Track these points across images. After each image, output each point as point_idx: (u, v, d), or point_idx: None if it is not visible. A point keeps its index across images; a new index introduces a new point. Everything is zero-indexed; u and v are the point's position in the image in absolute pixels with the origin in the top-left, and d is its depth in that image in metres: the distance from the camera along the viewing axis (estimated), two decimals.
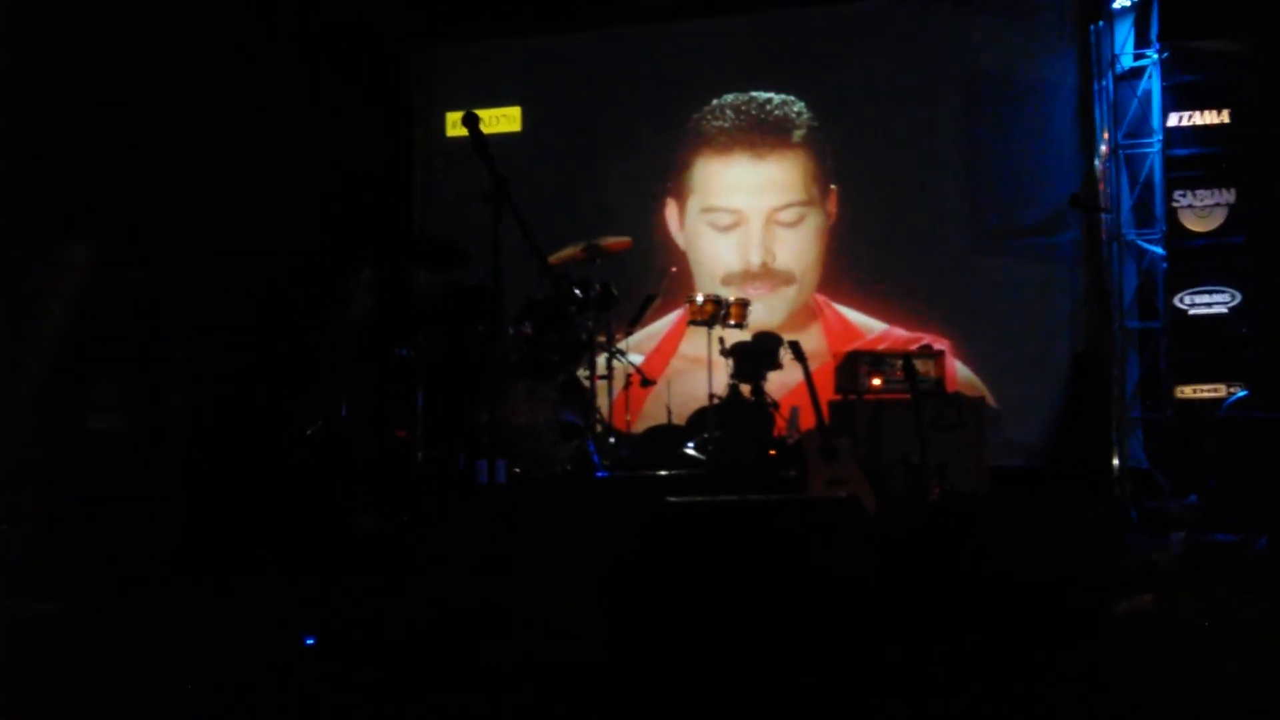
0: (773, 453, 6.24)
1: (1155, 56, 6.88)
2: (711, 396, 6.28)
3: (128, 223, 5.11)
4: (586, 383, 5.94)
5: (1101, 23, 7.09)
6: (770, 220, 7.71)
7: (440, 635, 3.53)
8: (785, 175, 7.77)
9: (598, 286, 5.94)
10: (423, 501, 4.92)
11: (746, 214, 7.76)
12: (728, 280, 7.69)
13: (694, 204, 7.92)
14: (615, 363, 6.19)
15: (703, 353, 6.42)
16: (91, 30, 5.22)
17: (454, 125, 8.19)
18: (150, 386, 4.51)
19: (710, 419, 6.16)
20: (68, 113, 5.02)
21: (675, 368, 7.59)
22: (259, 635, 3.61)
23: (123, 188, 5.24)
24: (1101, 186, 7.05)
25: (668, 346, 7.72)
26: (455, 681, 3.17)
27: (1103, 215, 6.93)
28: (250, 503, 4.90)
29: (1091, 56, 7.15)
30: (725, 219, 7.81)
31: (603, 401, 6.06)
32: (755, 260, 7.68)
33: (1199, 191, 6.72)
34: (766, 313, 7.40)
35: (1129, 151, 7.00)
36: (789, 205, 7.71)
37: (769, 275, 7.66)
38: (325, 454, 5.29)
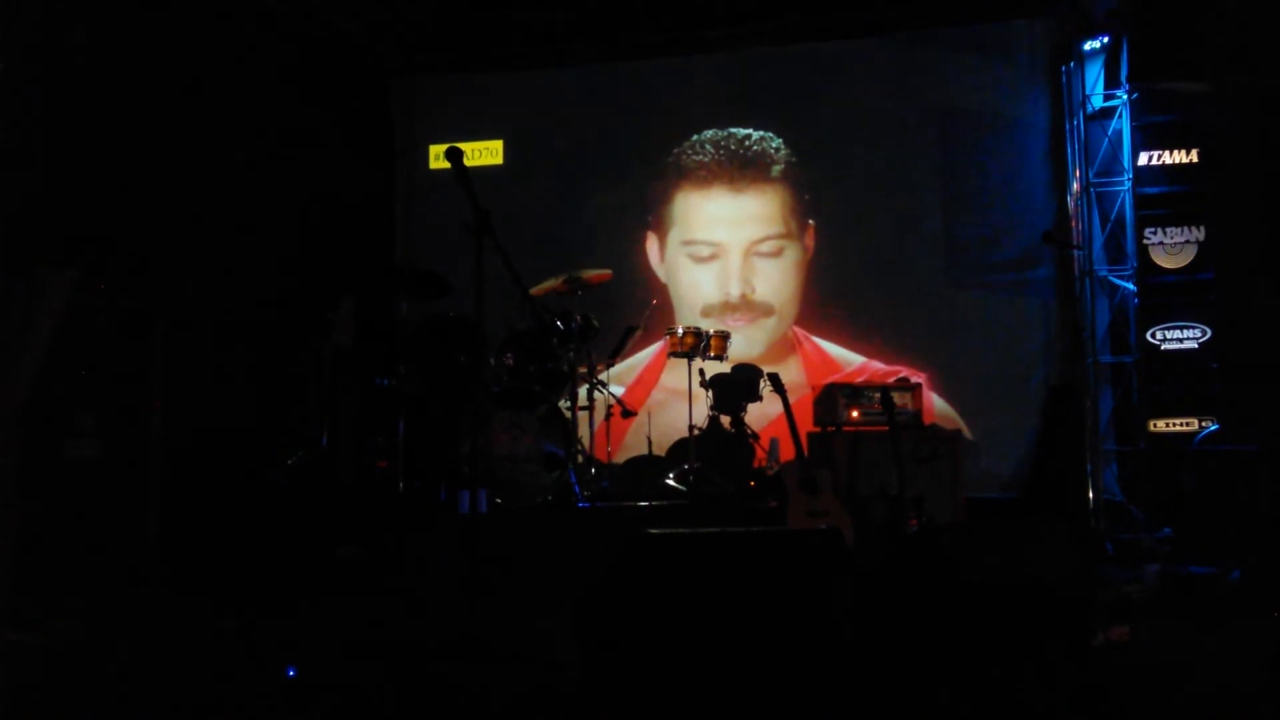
0: (753, 484, 6.27)
1: (1125, 97, 7.04)
2: (692, 428, 6.30)
3: (111, 250, 5.11)
4: (568, 413, 5.95)
5: (1073, 64, 7.24)
6: (749, 253, 7.79)
7: (421, 665, 3.52)
8: (764, 209, 7.86)
9: (579, 318, 5.97)
10: (404, 531, 4.91)
11: (726, 246, 7.84)
12: (707, 312, 7.76)
13: (674, 237, 8.00)
14: (596, 394, 6.21)
15: (683, 384, 6.45)
16: (79, 59, 5.25)
17: (437, 158, 8.25)
18: (130, 413, 4.49)
19: (690, 450, 6.18)
20: (52, 141, 5.03)
21: (656, 399, 7.63)
22: (239, 665, 3.58)
23: (107, 215, 5.25)
24: (1074, 223, 7.17)
25: (648, 378, 7.75)
26: (436, 711, 3.17)
27: (1075, 252, 7.05)
28: (230, 532, 4.87)
29: (1063, 97, 7.30)
30: (705, 251, 7.89)
31: (584, 432, 6.08)
32: (734, 292, 7.76)
33: (1169, 229, 6.85)
34: (746, 344, 7.47)
35: (1100, 189, 7.14)
36: (767, 238, 7.80)
37: (748, 307, 7.73)
38: (306, 483, 5.27)
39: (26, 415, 4.02)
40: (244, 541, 4.80)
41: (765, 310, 7.74)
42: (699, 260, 7.89)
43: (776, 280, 7.77)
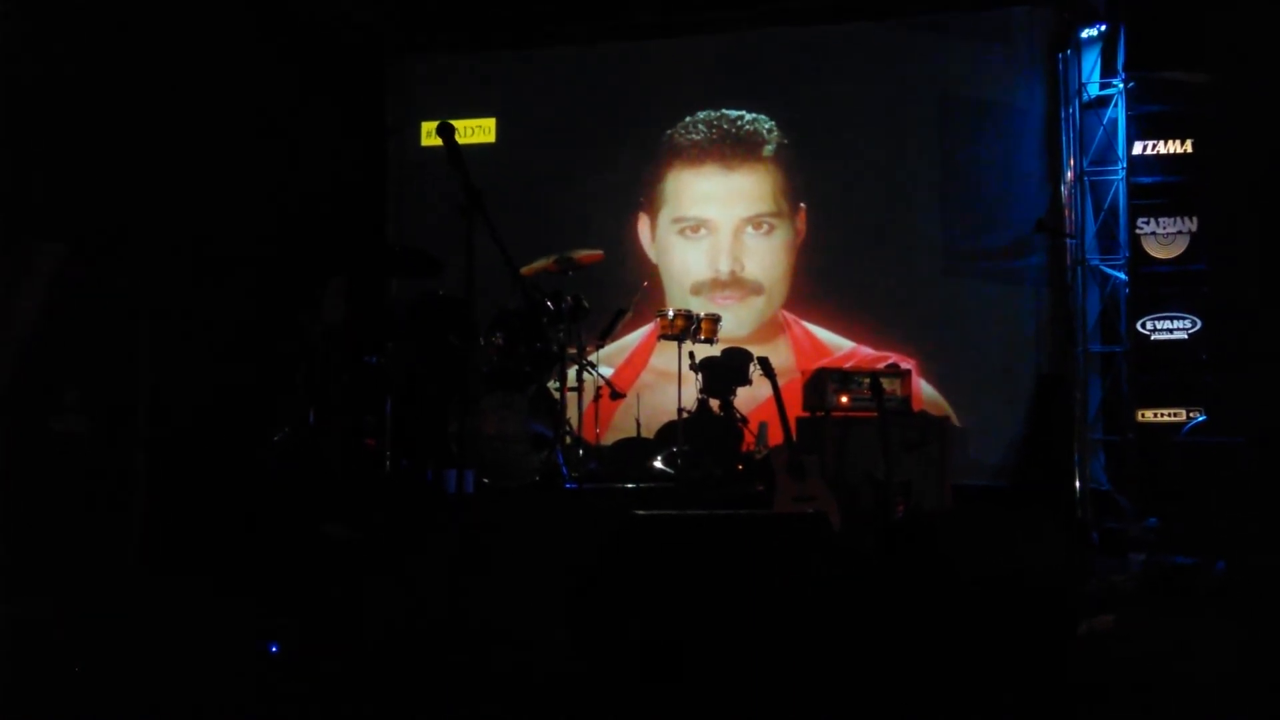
0: (740, 468, 6.27)
1: (1121, 86, 7.03)
2: (681, 411, 6.30)
3: (99, 225, 5.06)
4: (556, 394, 5.94)
5: (1069, 52, 7.22)
6: (739, 230, 7.79)
7: (407, 645, 3.52)
8: (755, 187, 7.85)
9: (569, 299, 5.96)
10: (390, 510, 4.90)
11: (716, 223, 7.84)
12: (697, 289, 7.76)
13: (665, 215, 7.99)
14: (585, 375, 6.20)
15: (673, 367, 6.44)
16: (70, 34, 5.19)
17: (429, 135, 8.20)
18: (116, 389, 4.46)
19: (679, 433, 6.18)
20: (41, 116, 4.97)
21: (645, 381, 7.62)
22: (223, 641, 3.57)
23: (94, 190, 5.20)
24: (1067, 212, 7.17)
25: (638, 360, 7.74)
26: (422, 692, 3.17)
27: (1068, 240, 7.05)
28: (216, 508, 4.86)
29: (1059, 84, 7.29)
30: (695, 227, 7.88)
31: (572, 413, 6.07)
32: (724, 268, 7.75)
33: (1162, 219, 6.86)
34: (735, 323, 7.45)
35: (1094, 178, 7.13)
36: (758, 215, 7.79)
37: (738, 284, 7.73)
38: (292, 460, 5.26)
39: (11, 390, 3.98)
40: (230, 517, 4.79)
41: (755, 288, 7.73)
42: (689, 236, 7.89)
43: (767, 259, 7.76)
